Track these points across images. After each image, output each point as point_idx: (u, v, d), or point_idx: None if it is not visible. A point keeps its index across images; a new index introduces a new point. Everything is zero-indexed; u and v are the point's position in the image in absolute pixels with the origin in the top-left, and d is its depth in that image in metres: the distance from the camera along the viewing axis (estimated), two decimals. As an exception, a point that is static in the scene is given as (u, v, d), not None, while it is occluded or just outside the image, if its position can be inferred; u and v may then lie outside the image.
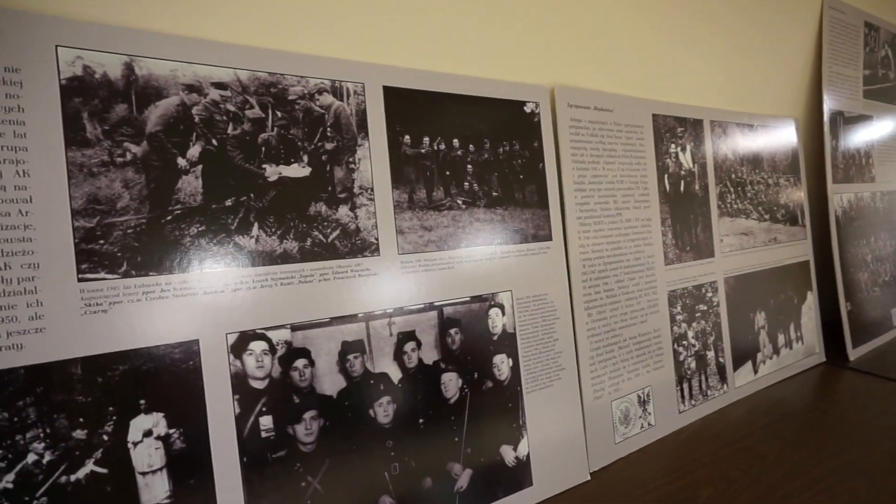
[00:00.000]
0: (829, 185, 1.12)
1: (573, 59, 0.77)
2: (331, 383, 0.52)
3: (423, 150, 0.60)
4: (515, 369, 0.65)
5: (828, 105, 1.14)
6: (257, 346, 0.49)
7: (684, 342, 0.85)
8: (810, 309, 1.10)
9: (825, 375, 1.05)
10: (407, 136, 0.59)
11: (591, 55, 0.80)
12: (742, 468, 0.70)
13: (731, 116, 0.97)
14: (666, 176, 0.85)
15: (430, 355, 0.58)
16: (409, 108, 0.59)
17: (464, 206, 0.62)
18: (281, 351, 0.50)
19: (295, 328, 0.51)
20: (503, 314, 0.64)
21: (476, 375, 0.62)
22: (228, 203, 0.48)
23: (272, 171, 0.51)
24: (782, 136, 1.07)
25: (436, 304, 0.59)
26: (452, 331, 0.60)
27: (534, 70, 0.73)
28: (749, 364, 0.96)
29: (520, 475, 0.64)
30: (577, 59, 0.78)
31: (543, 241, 0.68)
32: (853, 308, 1.13)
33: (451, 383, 0.60)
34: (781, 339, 1.03)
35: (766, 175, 1.03)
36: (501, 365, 0.64)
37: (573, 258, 0.71)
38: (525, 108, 0.68)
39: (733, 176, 0.96)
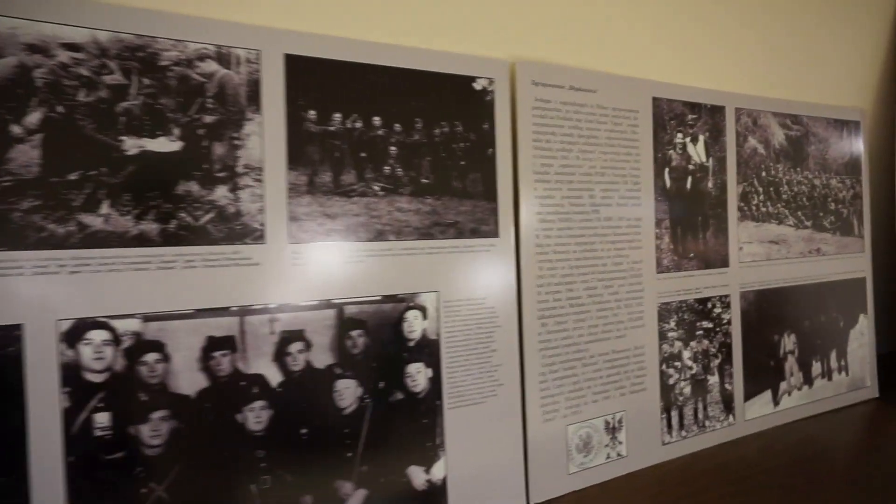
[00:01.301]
0: (899, 191, 0.94)
1: (545, 28, 0.67)
2: (189, 382, 0.47)
3: (331, 128, 0.53)
4: (436, 381, 0.57)
5: (905, 94, 0.95)
6: (97, 335, 0.44)
7: (676, 363, 0.74)
8: (862, 335, 0.93)
9: (875, 414, 0.89)
10: (312, 112, 0.52)
11: (570, 25, 0.69)
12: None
13: (768, 104, 0.82)
14: (667, 170, 0.73)
15: (322, 358, 0.52)
16: (319, 80, 0.52)
17: (382, 193, 0.55)
18: (127, 342, 0.45)
19: (148, 318, 0.46)
20: (424, 318, 0.57)
21: (382, 385, 0.55)
22: (73, 177, 0.44)
23: (132, 144, 0.46)
24: (840, 131, 0.91)
25: (335, 301, 0.53)
26: (354, 333, 0.53)
27: (491, 41, 0.64)
28: (767, 394, 0.82)
29: (431, 501, 0.56)
30: (551, 29, 0.68)
31: (486, 237, 0.60)
32: (921, 338, 0.95)
33: (347, 392, 0.53)
34: (818, 367, 0.88)
35: (811, 175, 0.87)
36: (417, 375, 0.56)
37: (527, 260, 0.62)
38: (474, 84, 0.60)
39: (763, 174, 0.82)
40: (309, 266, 0.52)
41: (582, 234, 0.66)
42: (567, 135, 0.65)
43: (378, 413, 0.54)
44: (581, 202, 0.66)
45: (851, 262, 0.92)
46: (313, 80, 0.52)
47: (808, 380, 0.87)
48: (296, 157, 0.51)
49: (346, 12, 0.56)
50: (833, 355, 0.90)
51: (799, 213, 0.86)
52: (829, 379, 0.89)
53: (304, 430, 0.51)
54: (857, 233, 0.93)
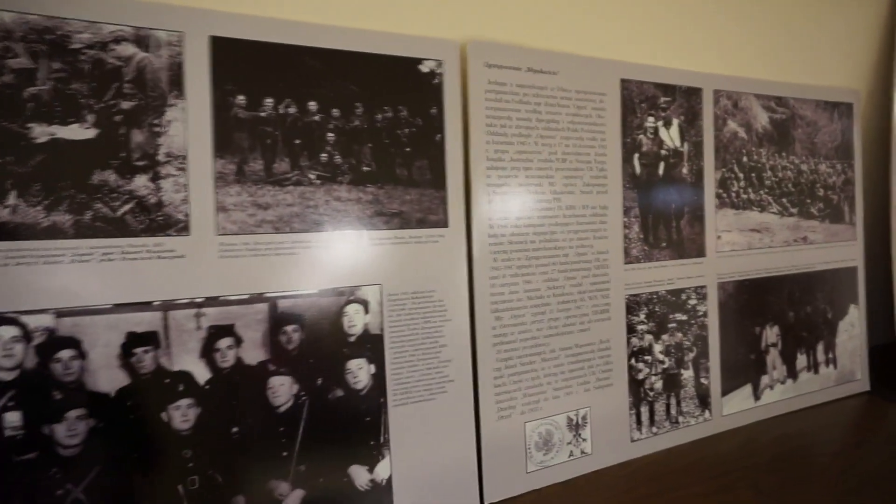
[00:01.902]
0: (893, 175, 0.90)
1: (501, 6, 0.64)
2: (108, 379, 0.45)
3: (262, 114, 0.50)
4: (379, 377, 0.55)
5: (902, 74, 0.91)
6: (5, 331, 0.42)
7: (646, 357, 0.71)
8: (852, 326, 0.89)
9: (865, 408, 0.86)
10: (241, 97, 0.49)
11: (529, 2, 0.66)
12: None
13: (750, 85, 0.78)
14: (637, 156, 0.69)
15: (253, 355, 0.50)
16: (249, 63, 0.50)
17: (318, 182, 0.52)
18: (39, 339, 0.43)
19: (62, 314, 0.44)
20: (366, 312, 0.54)
21: (320, 382, 0.53)
22: (-24, 166, 0.42)
23: (41, 132, 0.43)
24: (830, 113, 0.86)
25: (267, 295, 0.50)
26: (289, 328, 0.51)
27: (440, 20, 0.61)
28: (748, 388, 0.79)
29: (375, 500, 0.54)
30: (508, 7, 0.64)
31: (435, 227, 0.57)
32: (916, 329, 0.91)
33: (282, 389, 0.51)
34: (803, 360, 0.84)
35: (798, 160, 0.83)
36: (358, 371, 0.54)
37: (480, 250, 0.59)
38: (421, 66, 0.57)
39: (745, 159, 0.78)
40: (239, 258, 0.49)
41: (541, 224, 0.63)
42: (524, 119, 0.61)
43: (316, 411, 0.52)
44: (540, 190, 0.63)
45: (842, 250, 0.88)
46: (242, 63, 0.50)
47: (793, 373, 0.83)
48: (223, 145, 0.49)
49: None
50: (820, 348, 0.86)
51: (784, 199, 0.82)
52: (816, 372, 0.85)
53: (235, 429, 0.49)
54: (848, 220, 0.89)
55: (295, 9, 0.54)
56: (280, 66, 0.51)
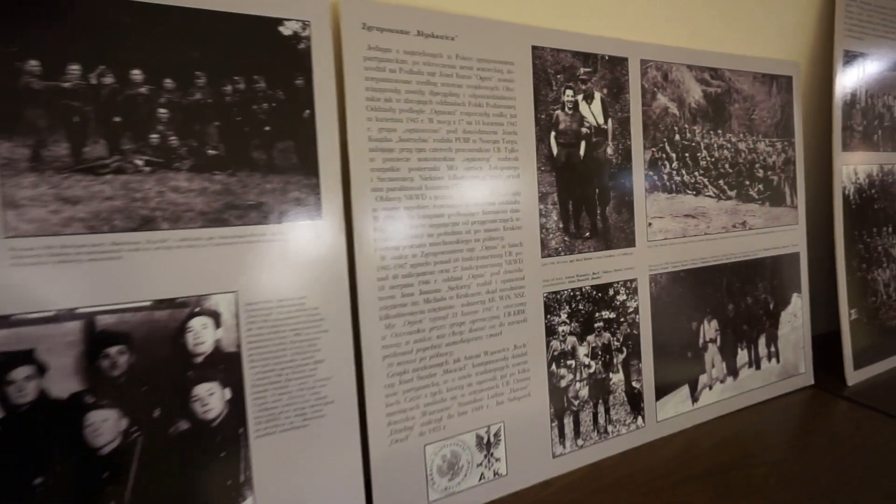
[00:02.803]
0: (835, 154, 0.84)
1: None
2: None
3: (65, 84, 0.40)
4: (237, 404, 0.45)
5: (842, 45, 0.84)
6: None
7: (570, 362, 0.63)
8: (795, 317, 0.83)
9: (810, 403, 0.80)
10: (34, 62, 0.39)
11: None
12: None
13: (682, 56, 0.71)
14: (554, 134, 0.61)
15: (63, 386, 0.40)
16: (43, 21, 0.39)
17: (149, 170, 0.42)
18: None
19: None
20: (217, 326, 0.45)
21: (158, 413, 0.43)
22: None
23: None
24: (769, 86, 0.79)
25: (81, 310, 0.40)
26: (113, 350, 0.41)
27: None
28: (685, 390, 0.72)
29: (235, 552, 0.45)
30: None
31: (305, 220, 0.48)
32: (860, 317, 0.86)
33: (104, 425, 0.41)
34: (743, 356, 0.78)
35: (735, 138, 0.76)
36: (209, 398, 0.44)
37: (363, 247, 0.50)
38: (281, 28, 0.47)
39: (677, 137, 0.71)
40: (39, 266, 0.39)
41: (440, 214, 0.54)
42: (415, 92, 0.52)
43: (153, 449, 0.42)
44: (437, 174, 0.54)
45: (783, 235, 0.82)
46: (34, 20, 0.39)
47: (733, 370, 0.77)
48: (8, 124, 0.38)
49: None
50: (762, 341, 0.80)
51: (721, 181, 0.75)
52: (757, 368, 0.79)
53: (38, 481, 0.39)
54: (789, 202, 0.83)
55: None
56: (88, 24, 0.41)
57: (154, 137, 0.43)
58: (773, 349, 0.81)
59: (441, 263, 0.54)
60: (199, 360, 0.44)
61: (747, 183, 0.78)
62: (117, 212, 0.42)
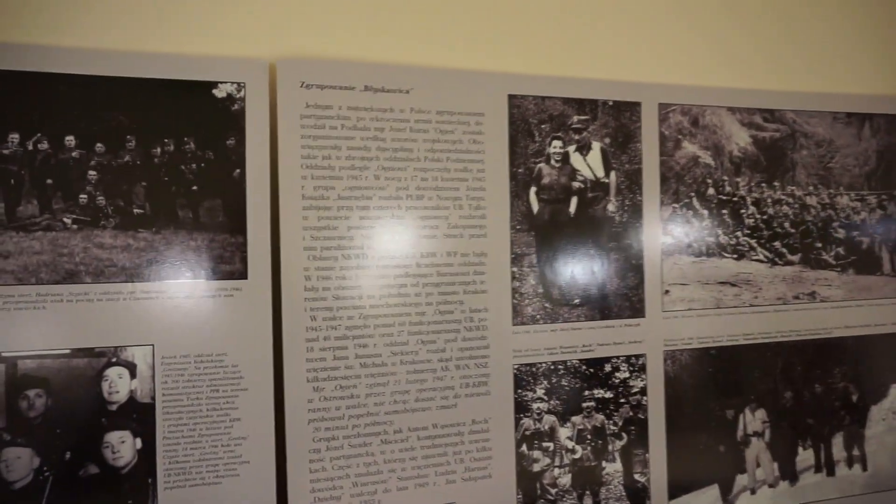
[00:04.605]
0: (958, 210, 0.66)
1: (333, 16, 0.53)
2: None
3: (5, 151, 0.45)
4: (147, 454, 0.47)
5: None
6: None
7: (545, 444, 0.56)
8: (894, 415, 0.67)
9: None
10: (-22, 133, 0.44)
11: (374, 5, 0.55)
12: None
13: (720, 97, 0.61)
14: (535, 190, 0.56)
15: (-17, 422, 0.44)
16: (-9, 94, 0.45)
17: (75, 227, 0.46)
18: None
19: None
20: (132, 377, 0.47)
21: (69, 456, 0.46)
22: None
23: None
24: (857, 128, 0.66)
25: (5, 354, 0.45)
26: (31, 392, 0.45)
27: (248, 35, 0.51)
28: (713, 490, 0.61)
29: None
30: (342, 14, 0.54)
31: (228, 279, 0.49)
32: None
33: (18, 462, 0.45)
34: (806, 457, 0.64)
35: (801, 191, 0.64)
36: (120, 445, 0.47)
37: (291, 307, 0.50)
38: (215, 91, 0.48)
39: (711, 191, 0.61)
40: (-31, 313, 0.44)
41: (383, 276, 0.52)
42: (359, 149, 0.51)
43: (62, 489, 0.45)
44: (382, 233, 0.51)
45: (876, 311, 0.66)
46: (-19, 95, 0.44)
47: (790, 474, 0.63)
48: (-50, 185, 0.44)
49: (25, 8, 0.47)
50: (839, 440, 0.65)
51: (777, 243, 0.63)
52: (829, 474, 0.64)
53: (-45, 507, 0.44)
54: (889, 270, 0.67)
55: (47, 32, 0.47)
56: (29, 97, 0.45)
57: (83, 198, 0.46)
58: (856, 452, 0.65)
59: (383, 327, 0.52)
60: (114, 408, 0.46)
61: (819, 245, 0.64)
62: (44, 265, 0.45)
